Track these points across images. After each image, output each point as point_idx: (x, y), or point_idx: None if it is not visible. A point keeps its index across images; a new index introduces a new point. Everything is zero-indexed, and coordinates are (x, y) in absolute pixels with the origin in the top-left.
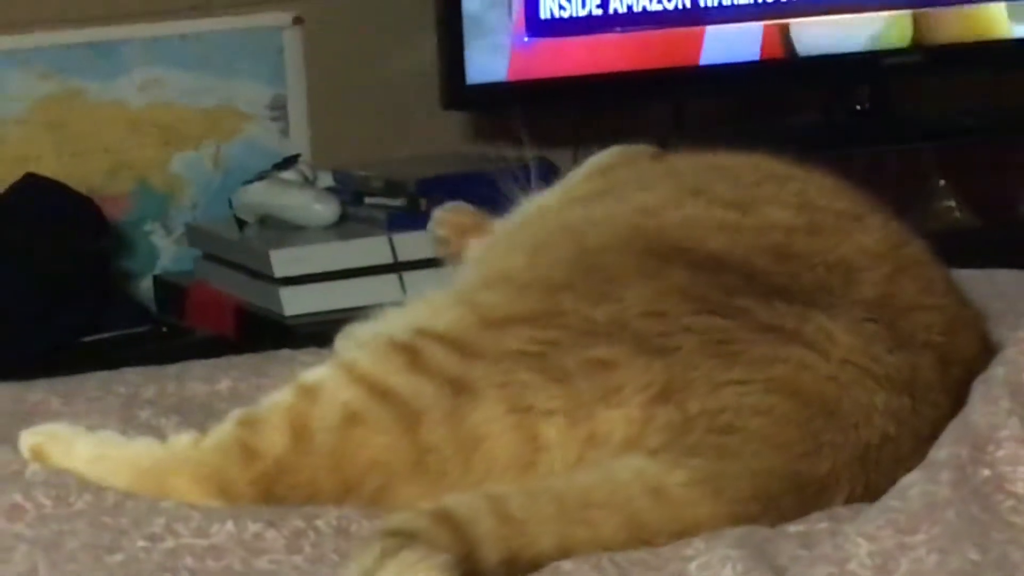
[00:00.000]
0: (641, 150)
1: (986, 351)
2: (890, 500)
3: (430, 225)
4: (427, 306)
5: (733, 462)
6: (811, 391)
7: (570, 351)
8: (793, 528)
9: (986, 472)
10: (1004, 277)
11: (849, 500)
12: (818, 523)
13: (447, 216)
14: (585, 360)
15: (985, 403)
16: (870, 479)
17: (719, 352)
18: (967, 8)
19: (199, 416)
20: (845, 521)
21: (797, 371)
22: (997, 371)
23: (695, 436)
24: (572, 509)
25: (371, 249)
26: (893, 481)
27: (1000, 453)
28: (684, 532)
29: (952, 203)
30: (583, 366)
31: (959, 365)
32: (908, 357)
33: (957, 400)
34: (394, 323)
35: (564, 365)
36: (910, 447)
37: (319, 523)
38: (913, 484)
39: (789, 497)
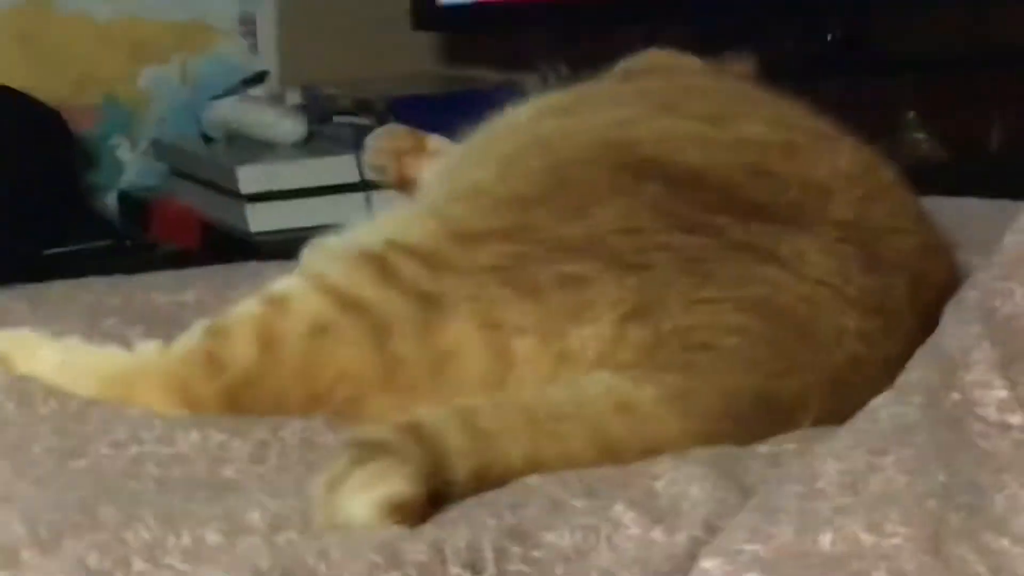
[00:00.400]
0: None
1: (955, 278)
2: (860, 422)
3: (365, 154)
4: (397, 219)
5: (704, 380)
6: (784, 311)
7: (542, 267)
8: (762, 448)
9: (956, 396)
10: (973, 206)
11: (817, 422)
12: (786, 443)
13: (381, 143)
14: (557, 276)
15: (956, 326)
16: (839, 401)
17: (693, 270)
18: None
19: (165, 326)
20: (814, 442)
21: (771, 291)
22: (969, 295)
23: (667, 353)
24: (541, 423)
25: (339, 167)
26: (861, 403)
27: (970, 377)
28: (653, 449)
29: (922, 135)
30: (555, 282)
31: (930, 289)
32: (880, 279)
33: (927, 324)
34: (363, 236)
35: (536, 281)
36: (879, 369)
37: (284, 434)
38: (883, 406)
39: (759, 416)
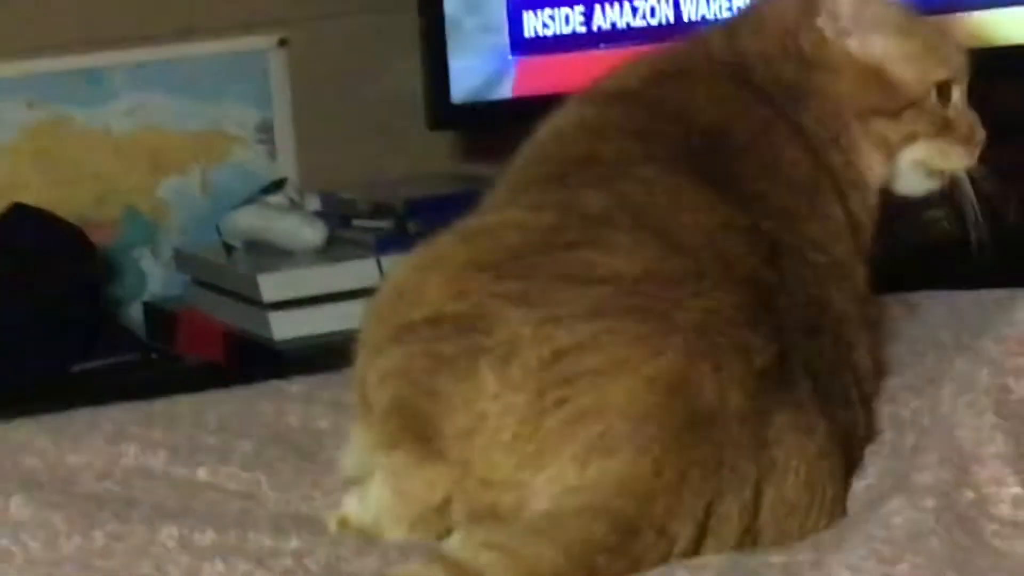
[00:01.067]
0: None
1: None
2: (873, 529)
3: None
4: None
5: (599, 410)
6: (619, 308)
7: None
8: (776, 559)
9: (970, 495)
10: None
11: (716, 374)
12: (800, 553)
13: None
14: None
15: (971, 416)
16: (719, 346)
17: (528, 306)
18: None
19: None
20: (828, 550)
21: (603, 296)
22: (980, 375)
23: (550, 396)
24: None
25: (359, 272)
26: (739, 344)
27: (984, 474)
28: None
29: (940, 213)
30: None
31: (738, 264)
32: (686, 259)
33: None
34: None
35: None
36: (735, 311)
37: (308, 562)
38: (897, 511)
39: (666, 401)
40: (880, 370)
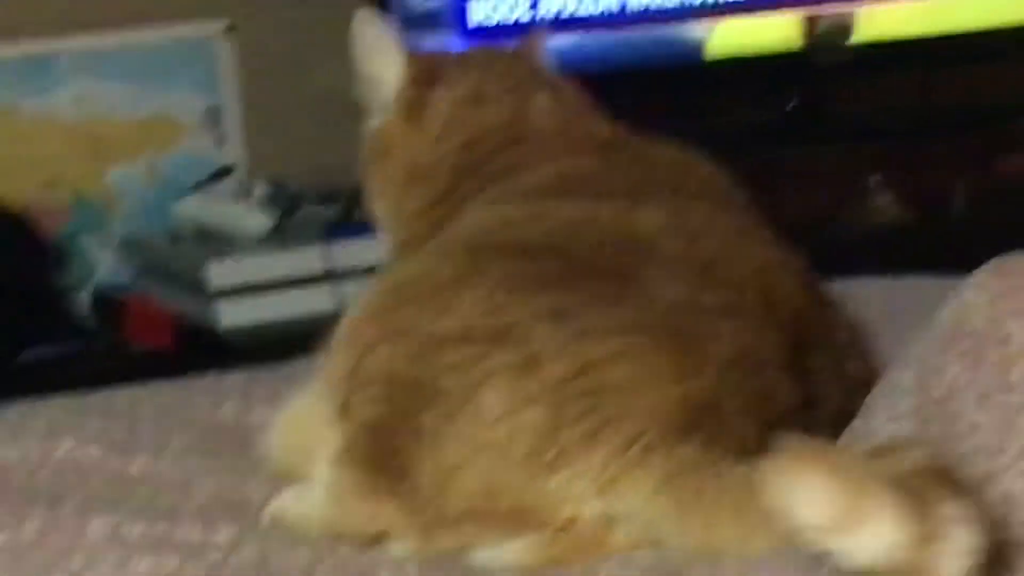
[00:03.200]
0: None
1: (807, 292)
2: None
3: None
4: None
5: (610, 412)
6: (658, 327)
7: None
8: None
9: None
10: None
11: (737, 412)
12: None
13: None
14: (446, 365)
15: (890, 419)
16: (742, 384)
17: (559, 322)
18: (898, 4)
19: (120, 447)
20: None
21: (638, 315)
22: (905, 374)
23: (572, 406)
24: None
25: (306, 259)
26: (765, 388)
27: None
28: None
29: (886, 199)
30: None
31: (781, 302)
32: (728, 293)
33: (787, 334)
34: None
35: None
36: (771, 352)
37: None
38: None
39: (686, 421)
40: None
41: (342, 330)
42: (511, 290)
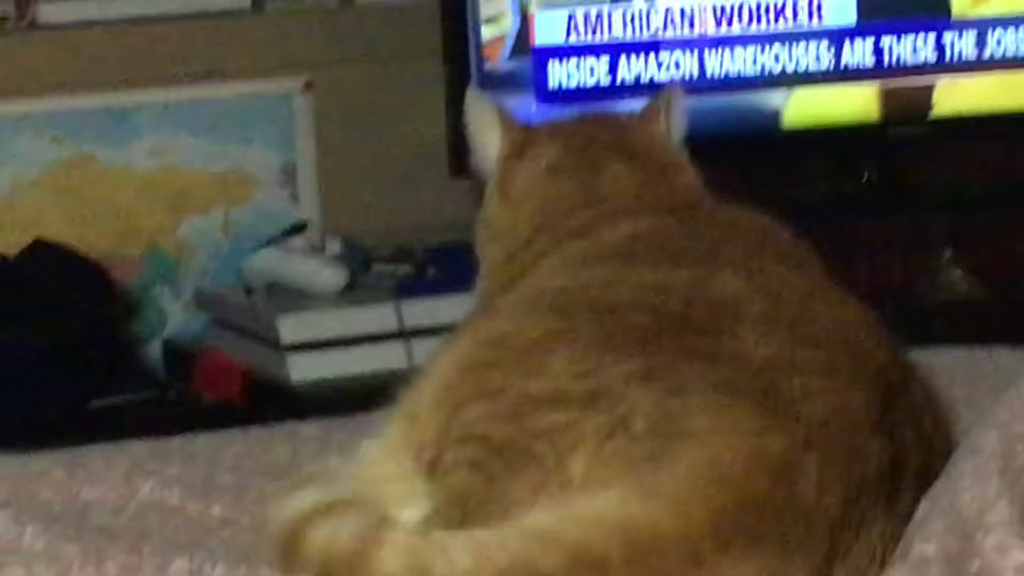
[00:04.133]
0: None
1: (887, 345)
2: None
3: None
4: None
5: (679, 460)
6: (746, 386)
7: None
8: None
9: (976, 563)
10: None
11: (824, 473)
12: None
13: None
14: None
15: (975, 481)
16: (830, 450)
17: (650, 381)
18: (977, 77)
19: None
20: None
21: (729, 374)
22: (988, 437)
23: (642, 451)
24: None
25: (378, 316)
26: (853, 447)
27: (989, 541)
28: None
29: (959, 272)
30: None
31: (867, 357)
32: (820, 351)
33: (876, 389)
34: None
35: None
36: (860, 414)
37: None
38: None
39: (752, 476)
40: None
41: (433, 385)
42: (602, 351)
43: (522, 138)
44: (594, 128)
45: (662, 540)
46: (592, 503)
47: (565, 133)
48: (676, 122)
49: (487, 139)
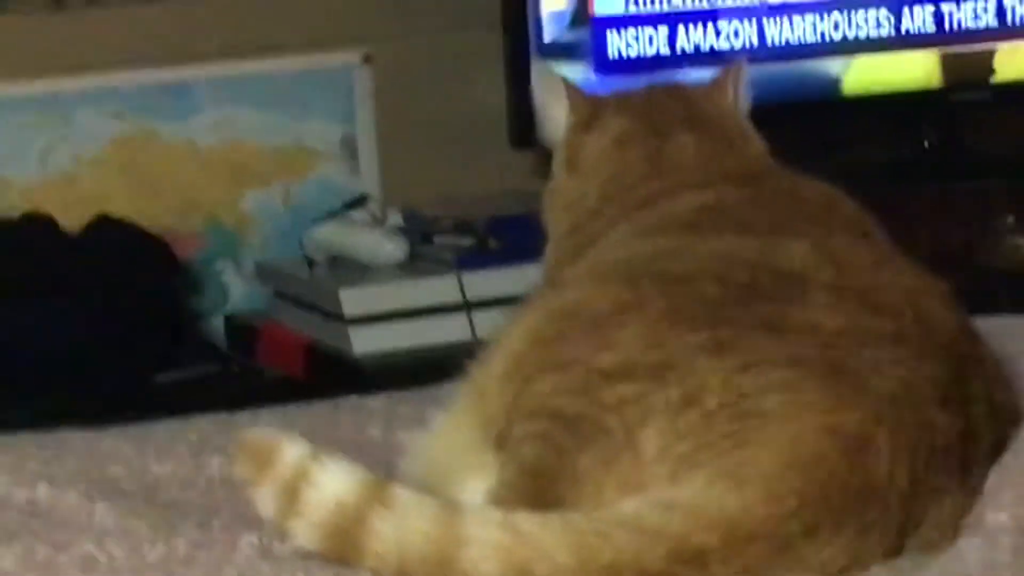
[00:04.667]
0: None
1: (957, 314)
2: (950, 563)
3: None
4: None
5: (757, 443)
6: (817, 359)
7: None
8: None
9: None
10: None
11: (894, 447)
12: None
13: None
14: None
15: None
16: (905, 424)
17: (719, 353)
18: None
19: None
20: None
21: (798, 348)
22: None
23: (717, 430)
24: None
25: (440, 288)
26: (927, 422)
27: None
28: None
29: (1021, 240)
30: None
31: (935, 325)
32: (889, 320)
33: (945, 358)
34: None
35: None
36: (930, 388)
37: None
38: (973, 549)
39: (828, 453)
40: None
41: (502, 357)
42: (672, 323)
43: (590, 110)
44: (661, 99)
45: (757, 529)
46: (683, 491)
47: (632, 104)
48: (743, 93)
49: (555, 111)
